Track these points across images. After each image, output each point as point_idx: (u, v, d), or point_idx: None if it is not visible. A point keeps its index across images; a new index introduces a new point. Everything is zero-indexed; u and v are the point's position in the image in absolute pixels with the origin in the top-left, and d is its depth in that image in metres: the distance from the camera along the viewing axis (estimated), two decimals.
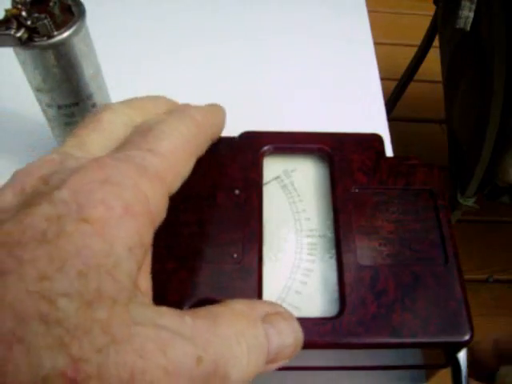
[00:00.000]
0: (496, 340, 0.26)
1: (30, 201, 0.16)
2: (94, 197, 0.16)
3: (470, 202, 0.93)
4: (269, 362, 0.19)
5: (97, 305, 0.14)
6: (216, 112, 0.26)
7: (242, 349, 0.17)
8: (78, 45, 0.31)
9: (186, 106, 0.24)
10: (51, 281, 0.14)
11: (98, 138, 0.20)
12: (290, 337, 0.20)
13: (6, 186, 0.17)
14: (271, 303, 0.21)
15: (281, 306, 0.21)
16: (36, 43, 0.30)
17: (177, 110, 0.23)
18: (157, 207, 0.18)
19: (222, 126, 0.27)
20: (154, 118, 0.21)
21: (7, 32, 0.28)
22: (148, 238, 0.17)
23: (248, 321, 0.19)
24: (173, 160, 0.19)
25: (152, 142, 0.19)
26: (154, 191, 0.18)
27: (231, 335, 0.17)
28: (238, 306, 0.19)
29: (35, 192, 0.16)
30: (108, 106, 0.21)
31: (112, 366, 0.14)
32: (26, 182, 0.17)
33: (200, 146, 0.23)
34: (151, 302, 0.18)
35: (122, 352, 0.14)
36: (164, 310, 0.17)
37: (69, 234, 0.15)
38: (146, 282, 0.18)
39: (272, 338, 0.19)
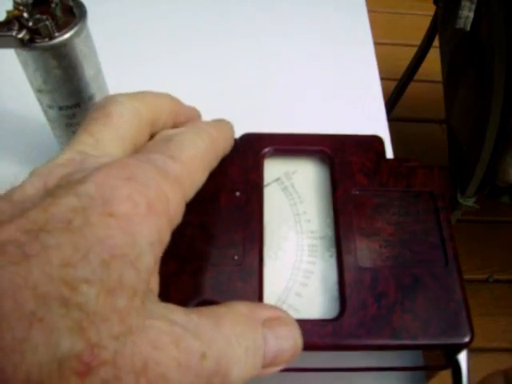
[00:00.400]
0: (505, 372, 0.27)
1: (53, 192, 0.16)
2: (120, 192, 0.16)
3: (470, 202, 0.93)
4: (266, 365, 0.19)
5: (117, 293, 0.15)
6: (227, 128, 0.27)
7: (241, 350, 0.18)
8: (80, 46, 0.31)
9: (201, 122, 0.25)
10: (74, 267, 0.14)
11: (110, 133, 0.20)
12: (289, 342, 0.20)
13: (26, 181, 0.17)
14: (272, 307, 0.21)
15: (282, 310, 0.21)
16: (37, 44, 0.30)
17: (193, 125, 0.24)
18: (175, 210, 0.18)
19: (231, 142, 0.28)
20: (173, 130, 0.22)
21: (9, 33, 0.28)
22: (166, 237, 0.18)
23: (248, 324, 0.19)
24: (191, 168, 0.20)
25: (173, 149, 0.20)
26: (174, 194, 0.18)
27: (232, 336, 0.18)
28: (240, 308, 0.20)
29: (58, 186, 0.17)
30: (114, 99, 0.22)
31: (127, 355, 0.14)
32: (49, 180, 0.17)
33: (213, 161, 0.24)
34: (158, 298, 0.18)
35: (138, 342, 0.15)
36: (172, 306, 0.18)
37: (93, 225, 0.15)
38: (154, 280, 0.19)
39: (270, 343, 0.19)
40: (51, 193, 0.16)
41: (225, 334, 0.18)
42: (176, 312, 0.17)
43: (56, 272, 0.14)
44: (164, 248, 0.18)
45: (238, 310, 0.19)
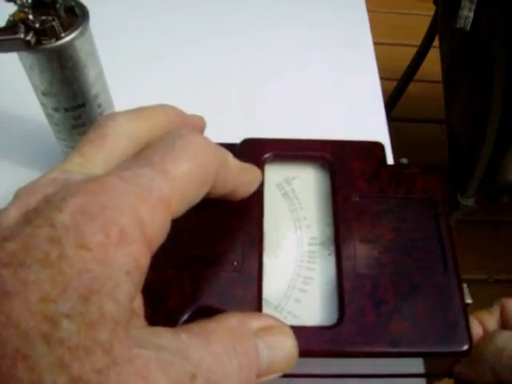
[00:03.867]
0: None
1: (32, 220, 0.16)
2: (93, 222, 0.16)
3: (470, 202, 0.93)
4: (260, 375, 0.19)
5: (99, 326, 0.15)
6: (253, 172, 0.26)
7: (233, 365, 0.18)
8: (85, 45, 0.31)
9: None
10: (54, 303, 0.15)
11: (102, 156, 0.20)
12: (282, 352, 0.20)
13: (10, 205, 0.18)
14: (265, 316, 0.21)
15: (275, 318, 0.21)
16: (46, 46, 0.30)
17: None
18: (154, 232, 0.18)
19: (249, 185, 0.26)
20: (182, 132, 0.21)
21: (16, 36, 0.28)
22: (144, 262, 0.17)
23: (239, 337, 0.19)
24: (184, 185, 0.19)
25: (170, 161, 0.19)
26: (153, 216, 0.18)
27: (223, 352, 0.18)
28: (231, 320, 0.19)
29: (38, 211, 0.17)
30: (113, 119, 0.21)
31: None
32: (30, 202, 0.17)
33: (211, 181, 0.21)
34: (145, 322, 0.18)
35: (123, 373, 0.15)
36: (159, 329, 0.17)
37: (70, 258, 0.15)
38: (138, 303, 0.19)
39: (263, 354, 0.19)
40: (29, 220, 0.16)
41: (215, 352, 0.17)
42: (163, 335, 0.17)
43: (36, 308, 0.14)
44: (144, 273, 0.18)
45: (229, 324, 0.19)
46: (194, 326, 0.18)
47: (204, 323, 0.19)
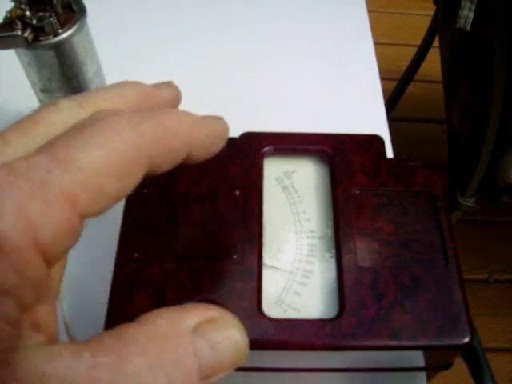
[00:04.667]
0: None
1: None
2: None
3: (470, 202, 0.93)
4: (204, 378, 0.16)
5: None
6: (211, 126, 0.20)
7: (159, 381, 0.15)
8: (83, 41, 0.31)
9: (167, 109, 0.19)
10: None
11: (24, 140, 0.17)
12: (228, 348, 0.17)
13: None
14: (204, 308, 0.18)
15: (217, 308, 0.18)
16: (43, 42, 0.30)
17: (149, 111, 0.18)
18: (52, 234, 0.14)
19: (208, 145, 0.20)
20: (105, 111, 0.17)
21: (14, 33, 0.28)
22: (35, 273, 0.14)
23: (169, 342, 0.16)
24: (94, 176, 0.15)
25: (78, 147, 0.15)
26: (48, 216, 0.14)
27: (143, 368, 0.15)
28: (158, 323, 0.16)
29: None
30: (53, 104, 0.18)
31: None
32: None
33: (154, 161, 0.17)
34: (53, 337, 0.16)
35: None
36: (58, 349, 0.15)
37: None
38: (46, 313, 0.16)
39: (205, 355, 0.16)
40: None
41: (130, 370, 0.15)
42: (60, 358, 0.14)
43: None
44: (39, 284, 0.15)
45: (155, 329, 0.16)
46: (109, 337, 0.15)
47: (123, 331, 0.16)
